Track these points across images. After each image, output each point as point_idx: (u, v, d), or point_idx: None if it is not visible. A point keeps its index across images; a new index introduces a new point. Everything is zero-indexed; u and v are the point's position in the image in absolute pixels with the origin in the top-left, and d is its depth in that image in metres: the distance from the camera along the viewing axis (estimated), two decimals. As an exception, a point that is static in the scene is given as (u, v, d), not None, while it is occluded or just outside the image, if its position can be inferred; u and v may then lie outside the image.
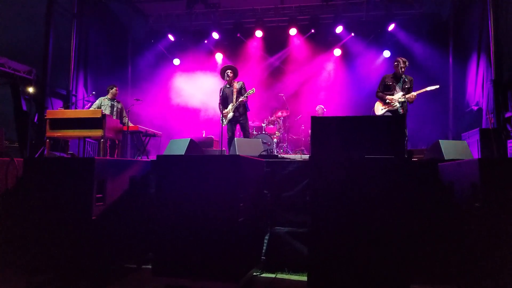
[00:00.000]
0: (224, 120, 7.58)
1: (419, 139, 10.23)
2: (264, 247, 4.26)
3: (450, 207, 3.50)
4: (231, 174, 3.29)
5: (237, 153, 5.37)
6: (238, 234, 3.23)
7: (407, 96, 6.64)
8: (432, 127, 10.55)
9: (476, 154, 7.20)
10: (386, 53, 11.97)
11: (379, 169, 3.08)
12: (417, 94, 6.68)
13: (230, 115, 7.50)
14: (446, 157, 4.60)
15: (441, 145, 4.83)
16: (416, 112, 9.26)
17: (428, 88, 6.68)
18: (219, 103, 7.71)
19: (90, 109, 8.64)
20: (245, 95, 7.41)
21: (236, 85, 7.61)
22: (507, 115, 7.79)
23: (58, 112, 6.36)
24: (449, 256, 3.57)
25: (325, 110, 11.18)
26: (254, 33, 12.51)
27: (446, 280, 3.61)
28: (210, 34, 12.74)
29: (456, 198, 3.36)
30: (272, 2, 12.19)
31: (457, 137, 9.76)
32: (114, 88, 8.64)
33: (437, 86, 6.70)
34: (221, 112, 7.62)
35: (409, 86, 6.76)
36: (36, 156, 7.34)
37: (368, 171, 3.09)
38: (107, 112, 8.23)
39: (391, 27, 11.57)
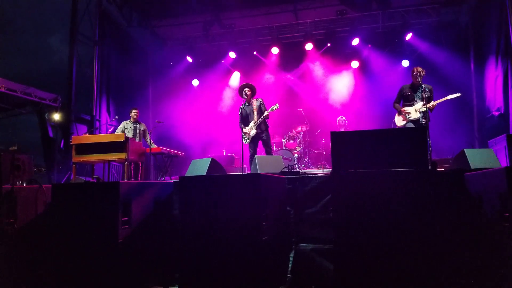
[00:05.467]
0: (246, 138, 7.61)
1: (444, 148, 10.04)
2: (290, 265, 4.23)
3: (478, 219, 3.41)
4: (253, 193, 3.30)
5: (258, 171, 5.38)
6: (263, 253, 3.22)
7: (428, 105, 6.52)
8: (457, 135, 10.38)
9: (504, 162, 6.99)
10: (405, 63, 11.89)
11: (402, 182, 3.05)
12: (438, 103, 6.56)
13: (253, 132, 7.52)
14: (472, 167, 4.47)
15: (466, 154, 4.71)
16: (440, 121, 9.10)
17: (449, 97, 6.53)
18: (240, 123, 7.75)
19: (114, 133, 8.85)
20: (269, 110, 7.43)
21: (255, 103, 7.64)
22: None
23: (83, 137, 6.52)
24: (478, 268, 3.47)
25: (347, 121, 11.07)
26: (271, 50, 12.65)
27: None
28: (227, 54, 12.93)
29: (484, 209, 3.27)
30: (287, 18, 12.30)
31: (483, 144, 9.55)
32: (133, 111, 8.93)
33: (459, 94, 6.54)
34: (242, 131, 7.66)
35: (429, 95, 6.64)
36: (63, 181, 7.52)
37: (391, 184, 3.06)
38: (130, 135, 8.40)
39: (409, 36, 11.49)
